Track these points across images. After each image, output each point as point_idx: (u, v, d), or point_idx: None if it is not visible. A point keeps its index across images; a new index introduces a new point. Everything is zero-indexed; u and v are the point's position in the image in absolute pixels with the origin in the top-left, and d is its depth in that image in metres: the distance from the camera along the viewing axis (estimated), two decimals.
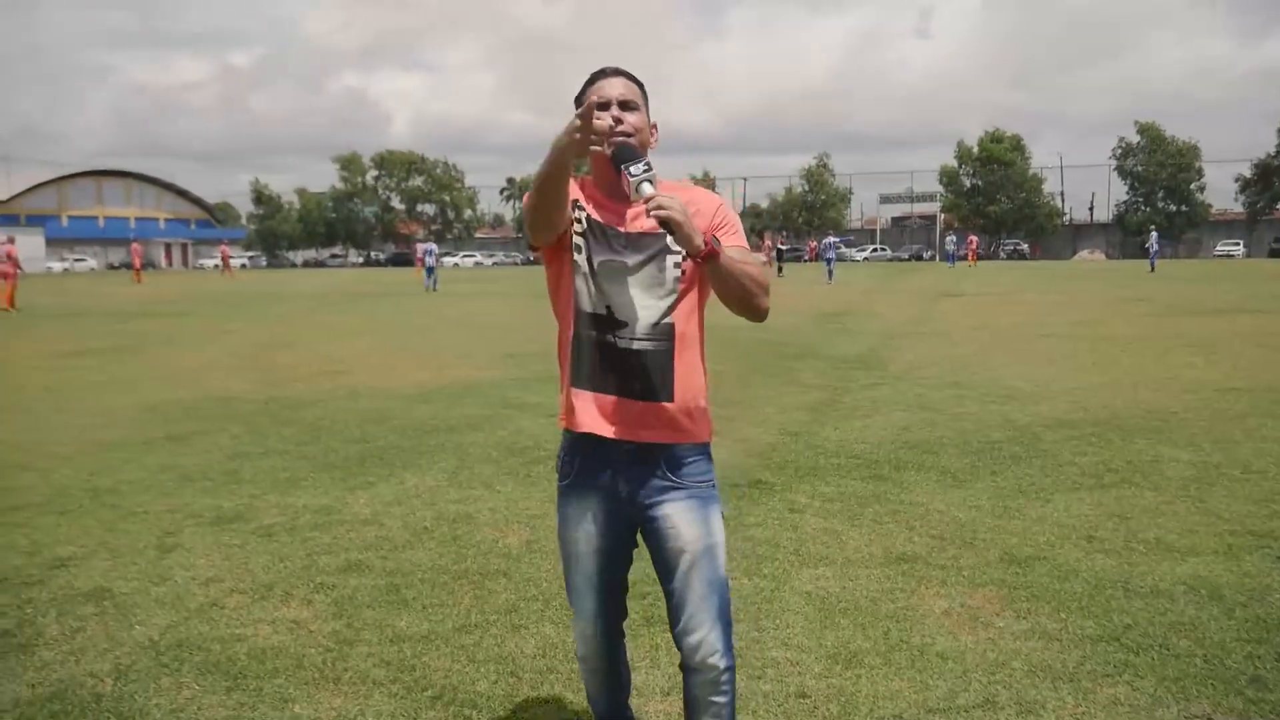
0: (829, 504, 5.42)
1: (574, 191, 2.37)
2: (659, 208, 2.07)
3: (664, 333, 2.32)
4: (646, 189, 2.15)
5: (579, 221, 2.35)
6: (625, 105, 2.32)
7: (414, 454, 6.85)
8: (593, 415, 2.35)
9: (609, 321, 2.32)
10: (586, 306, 2.34)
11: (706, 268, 2.21)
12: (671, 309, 2.33)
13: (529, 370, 11.24)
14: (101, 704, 3.23)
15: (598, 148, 2.18)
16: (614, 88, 2.33)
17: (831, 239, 41.79)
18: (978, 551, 4.59)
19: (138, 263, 49.62)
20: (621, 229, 2.33)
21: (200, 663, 3.52)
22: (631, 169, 2.17)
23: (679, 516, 2.35)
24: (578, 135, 2.09)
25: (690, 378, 2.36)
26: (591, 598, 2.49)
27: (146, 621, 3.90)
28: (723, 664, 2.36)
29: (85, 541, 4.94)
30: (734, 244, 2.31)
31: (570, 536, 2.46)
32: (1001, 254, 66.64)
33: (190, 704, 3.22)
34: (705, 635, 2.34)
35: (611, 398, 2.33)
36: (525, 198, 2.35)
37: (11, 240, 25.83)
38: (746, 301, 2.27)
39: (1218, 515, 5.06)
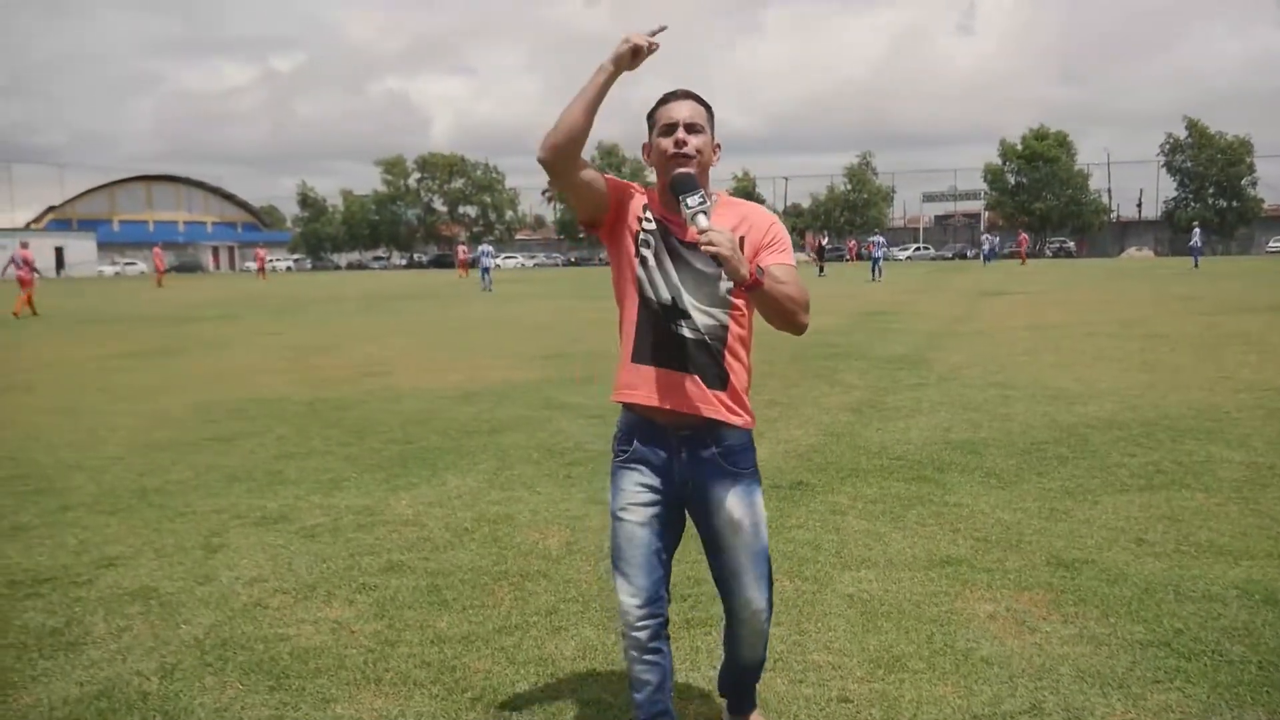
0: (871, 505, 5.37)
1: (642, 197, 2.63)
2: (710, 244, 2.30)
3: (720, 330, 2.56)
4: (701, 221, 2.36)
5: (648, 220, 2.58)
6: (691, 128, 2.52)
7: (455, 455, 6.88)
8: (650, 389, 2.57)
9: (673, 310, 2.55)
10: (652, 294, 2.57)
11: (750, 295, 2.44)
12: (727, 312, 2.57)
13: (570, 371, 11.26)
14: (148, 702, 3.27)
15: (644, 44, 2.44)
16: (681, 110, 2.53)
17: (879, 238, 43.07)
18: (1023, 554, 4.52)
19: (160, 266, 50.40)
20: (684, 239, 2.53)
21: (244, 662, 3.55)
22: (689, 200, 2.39)
23: (728, 497, 2.59)
24: (622, 51, 2.42)
25: (740, 373, 2.60)
26: (638, 571, 2.60)
27: (192, 621, 3.95)
28: (764, 614, 2.70)
29: (133, 541, 5.02)
30: (780, 262, 2.52)
31: (621, 509, 2.64)
32: (1048, 251, 65.75)
33: (234, 703, 3.25)
34: (751, 596, 2.65)
35: (669, 373, 2.55)
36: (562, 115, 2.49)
37: (26, 246, 26.17)
38: (787, 320, 2.50)
39: (1272, 517, 4.95)
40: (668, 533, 2.64)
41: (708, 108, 2.59)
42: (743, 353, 2.61)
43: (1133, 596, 3.96)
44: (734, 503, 2.58)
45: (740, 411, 2.60)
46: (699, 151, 2.51)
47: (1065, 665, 3.37)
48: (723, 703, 3.05)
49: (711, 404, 2.54)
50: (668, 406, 2.55)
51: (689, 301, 2.53)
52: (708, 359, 2.54)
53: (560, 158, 2.47)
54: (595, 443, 7.09)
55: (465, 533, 5.05)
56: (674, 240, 2.55)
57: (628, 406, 2.66)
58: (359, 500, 5.72)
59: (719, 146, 2.63)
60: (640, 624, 2.59)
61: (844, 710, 3.11)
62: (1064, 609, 3.87)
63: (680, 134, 2.50)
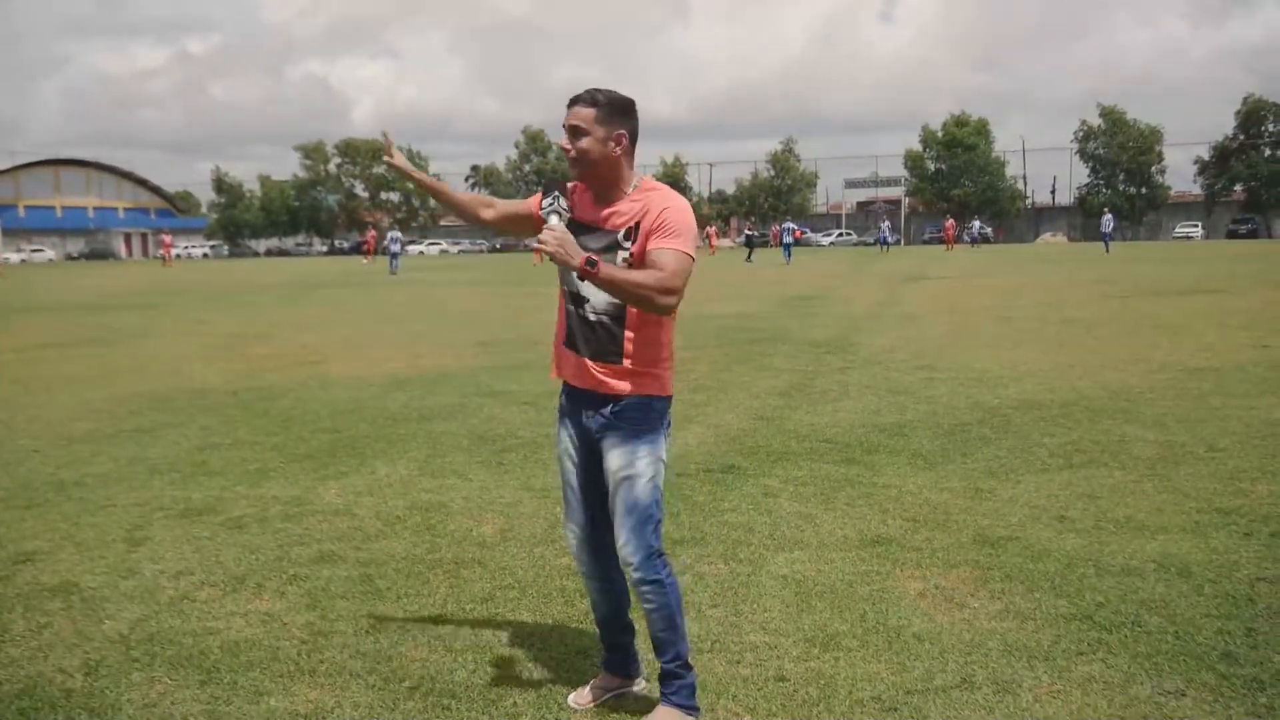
0: (802, 488, 5.44)
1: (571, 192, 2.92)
2: (540, 242, 2.69)
3: (617, 309, 2.82)
4: (553, 220, 2.73)
5: (563, 217, 2.80)
6: (573, 132, 2.79)
7: (386, 443, 6.80)
8: (569, 369, 2.97)
9: (578, 297, 2.89)
10: (565, 285, 2.94)
11: (592, 283, 2.70)
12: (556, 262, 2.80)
13: (502, 358, 11.19)
14: (72, 699, 3.18)
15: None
16: (568, 117, 2.81)
17: (788, 224, 46.69)
18: (951, 533, 4.62)
19: (166, 252, 58.25)
20: (597, 225, 2.86)
21: (172, 657, 3.47)
22: (543, 204, 2.80)
23: (611, 448, 2.88)
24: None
25: (642, 348, 2.84)
26: (575, 507, 3.05)
27: (116, 616, 3.85)
28: (635, 575, 2.88)
29: (51, 536, 4.86)
30: (662, 245, 2.73)
31: (558, 455, 3.09)
32: (965, 237, 67.22)
33: (163, 698, 3.17)
34: (622, 545, 2.88)
35: (576, 356, 2.92)
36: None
37: None
38: (638, 302, 2.73)
39: (1185, 493, 5.13)
40: (593, 473, 2.96)
41: (599, 105, 2.78)
42: (649, 331, 2.83)
43: (1055, 572, 4.08)
44: (615, 454, 2.85)
45: (638, 381, 2.84)
46: (584, 152, 2.78)
47: (993, 640, 3.46)
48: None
49: (608, 380, 2.84)
50: (576, 384, 2.93)
51: (588, 286, 2.79)
52: (607, 337, 2.84)
53: (476, 223, 3.24)
54: (528, 429, 7.06)
55: (397, 521, 4.99)
56: (581, 229, 2.83)
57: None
58: (287, 490, 5.62)
59: (621, 136, 2.80)
60: (581, 553, 3.07)
61: (781, 689, 3.15)
62: (990, 585, 3.97)
63: (564, 141, 2.82)
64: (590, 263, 2.63)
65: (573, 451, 3.01)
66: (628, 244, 2.80)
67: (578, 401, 2.96)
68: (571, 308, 2.92)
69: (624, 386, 2.83)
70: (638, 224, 2.78)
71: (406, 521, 4.99)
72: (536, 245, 2.69)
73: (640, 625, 3.15)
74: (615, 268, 2.70)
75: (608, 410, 2.86)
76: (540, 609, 3.84)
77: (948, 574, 4.11)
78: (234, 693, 3.20)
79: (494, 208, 3.20)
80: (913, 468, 5.82)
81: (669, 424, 2.97)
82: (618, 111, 2.81)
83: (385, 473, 5.97)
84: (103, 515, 5.20)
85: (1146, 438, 6.38)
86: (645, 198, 2.82)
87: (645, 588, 2.87)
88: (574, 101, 2.81)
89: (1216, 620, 3.56)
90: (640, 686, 3.16)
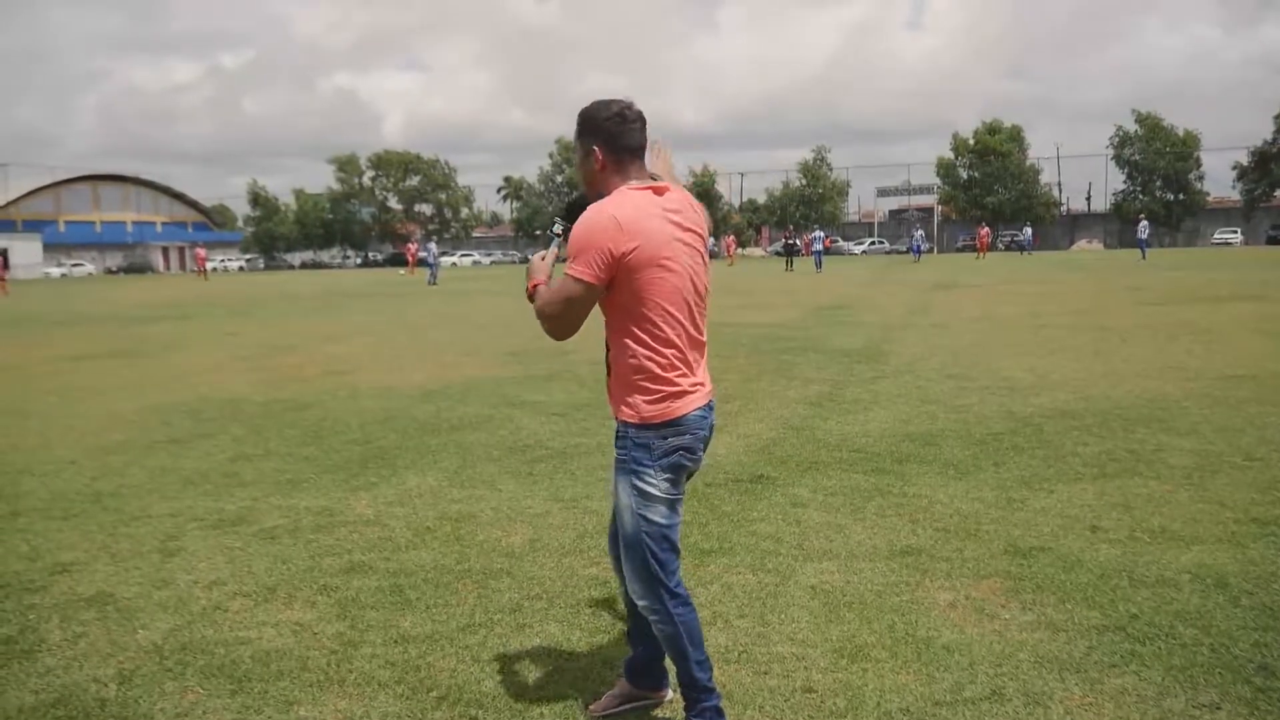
0: (831, 498, 5.41)
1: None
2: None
3: (609, 332, 2.79)
4: (553, 246, 2.82)
5: (557, 241, 2.89)
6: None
7: (416, 454, 6.84)
8: None
9: None
10: None
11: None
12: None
13: (532, 369, 11.22)
14: (106, 709, 3.22)
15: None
16: None
17: (817, 233, 46.97)
18: (982, 543, 4.58)
19: (201, 265, 59.85)
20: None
21: (204, 666, 3.51)
22: (552, 229, 2.84)
23: (612, 481, 2.89)
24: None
25: (620, 371, 2.77)
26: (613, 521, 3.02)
27: (150, 626, 3.89)
28: (639, 600, 2.86)
29: (87, 546, 4.93)
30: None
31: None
32: (1000, 245, 66.79)
33: (195, 708, 3.21)
34: (627, 576, 2.89)
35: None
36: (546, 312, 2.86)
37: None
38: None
39: (1221, 503, 5.05)
40: None
41: (578, 126, 2.78)
42: (617, 348, 2.76)
43: (1088, 583, 4.03)
44: (615, 486, 2.85)
45: (618, 405, 2.80)
46: (579, 175, 2.84)
47: (1024, 651, 3.42)
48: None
49: (612, 402, 2.85)
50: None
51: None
52: (608, 358, 2.83)
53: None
54: (557, 440, 7.08)
55: (427, 532, 5.02)
56: None
57: None
58: (318, 501, 5.67)
59: (594, 150, 2.74)
60: (615, 564, 3.06)
61: (809, 700, 3.13)
62: (1022, 596, 3.93)
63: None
64: (534, 290, 2.74)
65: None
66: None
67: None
68: None
69: (617, 410, 2.81)
70: None
71: (436, 532, 5.01)
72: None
73: None
74: (543, 292, 2.74)
75: (615, 437, 2.87)
76: (568, 620, 3.85)
77: (978, 584, 4.07)
78: (264, 702, 3.23)
79: None
80: (943, 477, 5.77)
81: (662, 455, 2.72)
82: (584, 127, 2.77)
83: (415, 483, 6.01)
84: (137, 526, 5.27)
85: (1182, 447, 6.29)
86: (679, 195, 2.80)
87: (650, 615, 2.84)
88: None
89: (1253, 632, 3.50)
90: (668, 698, 3.14)
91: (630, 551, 2.80)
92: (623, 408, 2.77)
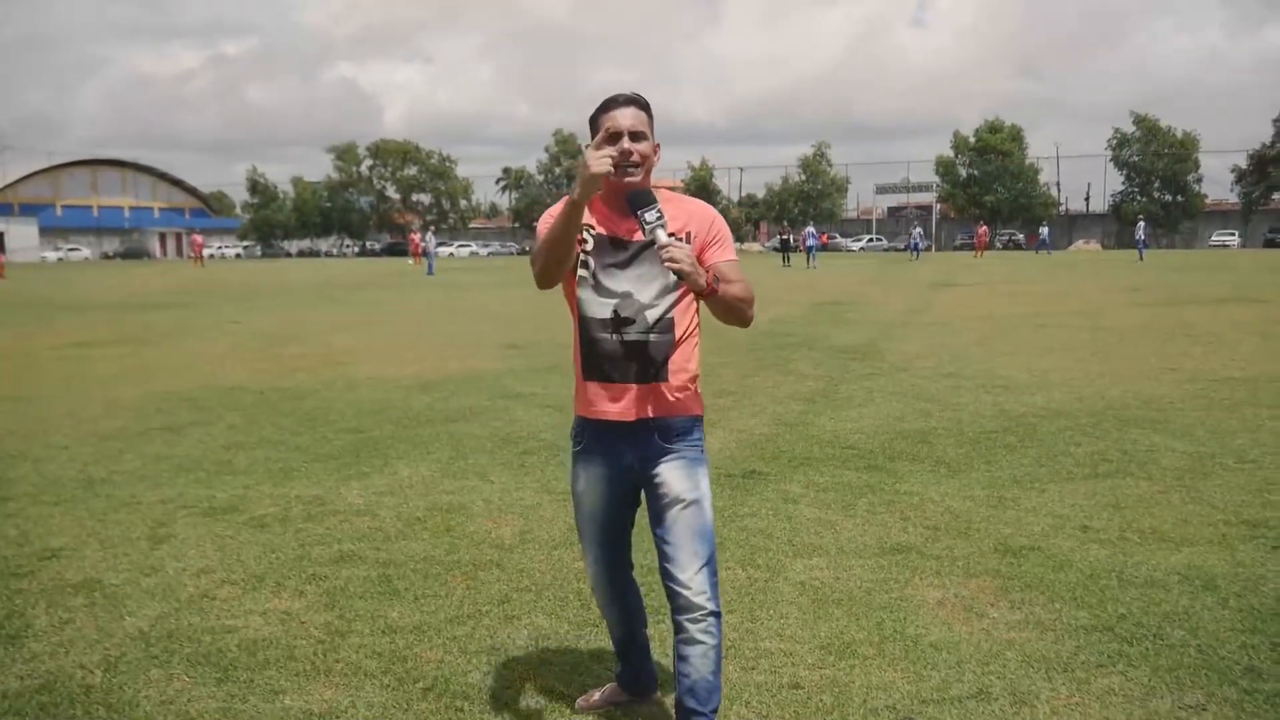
0: (823, 494, 5.41)
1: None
2: (671, 260, 2.41)
3: (665, 326, 2.64)
4: (661, 235, 2.47)
5: (585, 241, 2.64)
6: (635, 135, 2.57)
7: (409, 444, 6.83)
8: (603, 403, 2.68)
9: (618, 321, 2.63)
10: (593, 312, 2.65)
11: (706, 301, 2.58)
12: (672, 306, 2.64)
13: (529, 361, 11.22)
14: (91, 696, 3.21)
15: (605, 172, 2.45)
16: (625, 118, 2.57)
17: (810, 229, 47.47)
18: (972, 541, 4.58)
19: (198, 252, 57.48)
20: (627, 239, 2.62)
21: (191, 654, 3.50)
22: (646, 216, 2.49)
23: (670, 474, 2.65)
24: (581, 188, 2.43)
25: (685, 363, 2.67)
26: (596, 545, 2.88)
27: (137, 613, 3.88)
28: (709, 606, 2.60)
29: (76, 532, 4.92)
30: (725, 258, 2.65)
31: (580, 492, 2.85)
32: (997, 244, 66.89)
33: (180, 695, 3.20)
34: (692, 577, 2.60)
35: (618, 385, 2.65)
36: (533, 253, 2.66)
37: None
38: (736, 317, 2.65)
39: (1212, 505, 5.06)
40: (620, 510, 2.86)
41: (648, 110, 2.64)
42: (689, 345, 2.68)
43: (1077, 582, 4.03)
44: (675, 479, 2.64)
45: (683, 400, 2.67)
46: (644, 158, 2.58)
47: (1012, 650, 3.42)
48: None
49: (653, 404, 2.65)
50: (618, 416, 2.66)
51: (631, 305, 2.62)
52: (652, 359, 2.63)
53: (558, 281, 2.66)
54: (550, 432, 7.07)
55: (417, 522, 5.01)
56: (615, 245, 2.64)
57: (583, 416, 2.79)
58: (310, 490, 5.66)
59: (658, 146, 2.67)
60: (600, 585, 2.96)
61: (795, 697, 3.13)
62: (1011, 595, 3.93)
63: (626, 143, 2.55)
64: (715, 280, 2.52)
65: (599, 488, 2.78)
66: None
67: (615, 433, 2.69)
68: (605, 335, 2.64)
69: (670, 408, 2.65)
70: (689, 234, 2.62)
71: (426, 523, 5.01)
72: (667, 261, 2.41)
73: (658, 643, 3.13)
74: (724, 284, 2.56)
75: (656, 436, 2.65)
76: (556, 612, 3.84)
77: (967, 583, 4.07)
78: (250, 691, 3.22)
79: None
80: (935, 475, 5.77)
81: None
82: (653, 119, 2.68)
83: (407, 474, 6.00)
84: (127, 512, 5.25)
85: (1175, 448, 6.29)
86: (682, 208, 2.67)
87: (710, 621, 2.59)
88: (627, 102, 2.61)
89: (1241, 634, 3.50)
90: (654, 697, 3.12)
91: (709, 550, 2.63)
92: (692, 400, 2.70)
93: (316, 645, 3.56)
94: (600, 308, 2.64)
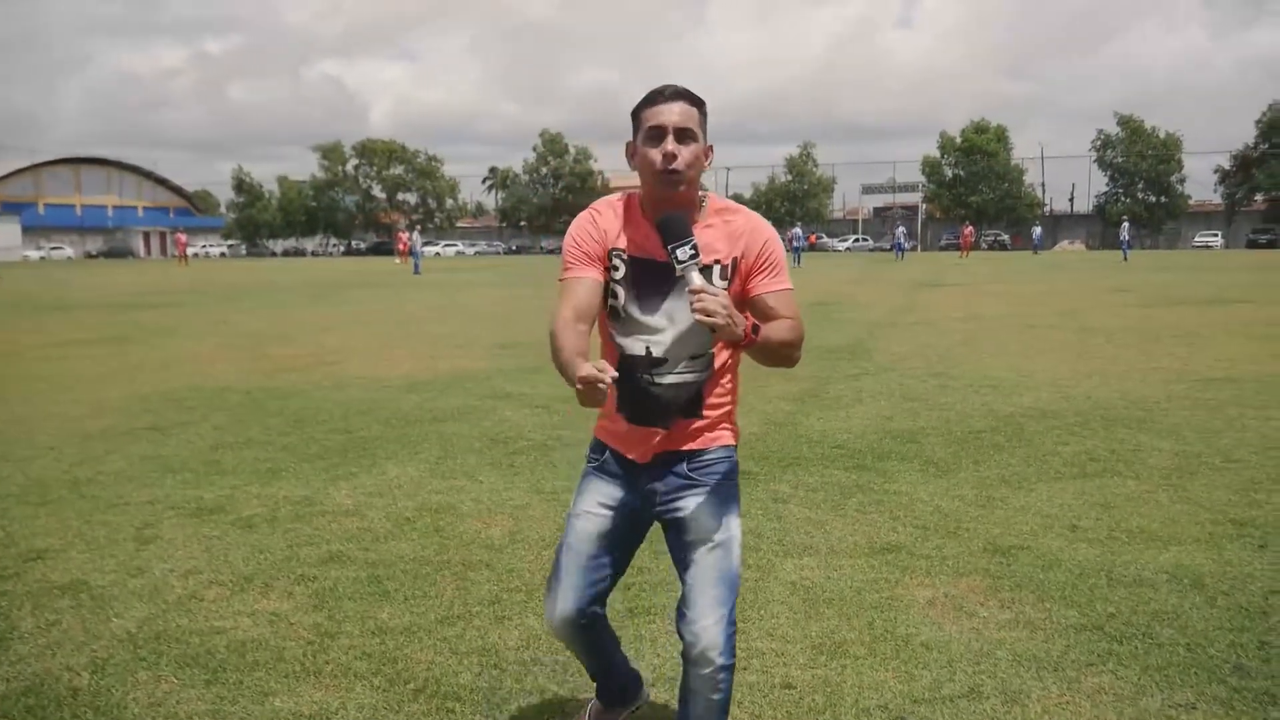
0: (813, 494, 5.42)
1: (612, 222, 2.35)
2: (704, 312, 2.05)
3: (704, 363, 2.38)
4: (695, 279, 2.14)
5: (616, 269, 2.34)
6: (682, 135, 2.23)
7: (398, 444, 6.81)
8: (630, 441, 2.43)
9: (647, 361, 2.35)
10: (624, 347, 2.38)
11: (744, 350, 2.25)
12: (714, 340, 2.34)
13: (518, 361, 11.20)
14: (78, 698, 3.18)
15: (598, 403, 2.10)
16: (671, 114, 2.23)
17: (796, 230, 50.37)
18: (961, 541, 4.59)
19: (182, 251, 57.44)
20: (664, 263, 2.24)
21: (179, 656, 3.48)
22: (678, 253, 2.16)
23: (698, 511, 2.41)
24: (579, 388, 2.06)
25: (723, 396, 2.44)
26: (574, 577, 2.48)
27: (124, 614, 3.86)
28: (720, 660, 2.35)
29: (63, 533, 4.88)
30: (776, 289, 2.34)
31: (579, 513, 2.51)
32: (983, 244, 67.27)
33: (169, 697, 3.18)
34: (707, 624, 2.35)
35: (644, 429, 2.40)
36: (552, 348, 2.27)
37: None
38: (780, 363, 2.35)
39: (1199, 504, 5.08)
40: (621, 546, 2.56)
41: (701, 106, 2.29)
42: (729, 377, 2.45)
43: (1067, 582, 4.05)
44: (703, 517, 2.42)
45: (718, 433, 2.46)
46: (689, 165, 2.24)
47: (1002, 649, 3.43)
48: None
49: (682, 440, 2.42)
50: (640, 458, 2.44)
51: (666, 343, 2.33)
52: (686, 397, 2.38)
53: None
54: (539, 432, 7.06)
55: (406, 523, 5.00)
56: (651, 270, 2.31)
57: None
58: (298, 490, 5.63)
59: (711, 149, 2.35)
60: (568, 624, 2.54)
61: (787, 696, 3.13)
62: (1000, 595, 3.94)
63: (670, 145, 2.21)
64: (755, 330, 2.19)
65: (610, 512, 2.48)
66: (721, 285, 2.29)
67: (639, 467, 2.45)
68: (636, 374, 2.36)
69: (705, 440, 2.43)
70: (737, 260, 2.31)
71: (416, 523, 4.99)
72: (697, 311, 2.05)
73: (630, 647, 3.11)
74: (766, 328, 2.25)
75: (682, 467, 2.41)
76: None
77: (957, 582, 4.08)
78: (239, 692, 3.20)
79: (584, 329, 2.30)
80: (924, 475, 5.79)
81: None
82: (706, 117, 2.32)
83: (396, 474, 5.98)
84: (114, 513, 5.22)
85: (1162, 447, 6.32)
86: (731, 224, 2.34)
87: (723, 676, 2.36)
88: (675, 95, 2.26)
89: (1229, 633, 3.52)
90: (646, 698, 3.03)
91: (730, 597, 2.41)
92: (728, 431, 2.49)
93: (306, 646, 3.54)
94: (631, 343, 2.36)
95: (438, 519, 5.05)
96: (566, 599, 2.48)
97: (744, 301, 2.33)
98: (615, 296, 2.35)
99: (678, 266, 2.16)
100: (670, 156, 2.21)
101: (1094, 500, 5.20)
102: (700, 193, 2.34)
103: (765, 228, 2.37)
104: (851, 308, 18.83)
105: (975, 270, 35.72)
